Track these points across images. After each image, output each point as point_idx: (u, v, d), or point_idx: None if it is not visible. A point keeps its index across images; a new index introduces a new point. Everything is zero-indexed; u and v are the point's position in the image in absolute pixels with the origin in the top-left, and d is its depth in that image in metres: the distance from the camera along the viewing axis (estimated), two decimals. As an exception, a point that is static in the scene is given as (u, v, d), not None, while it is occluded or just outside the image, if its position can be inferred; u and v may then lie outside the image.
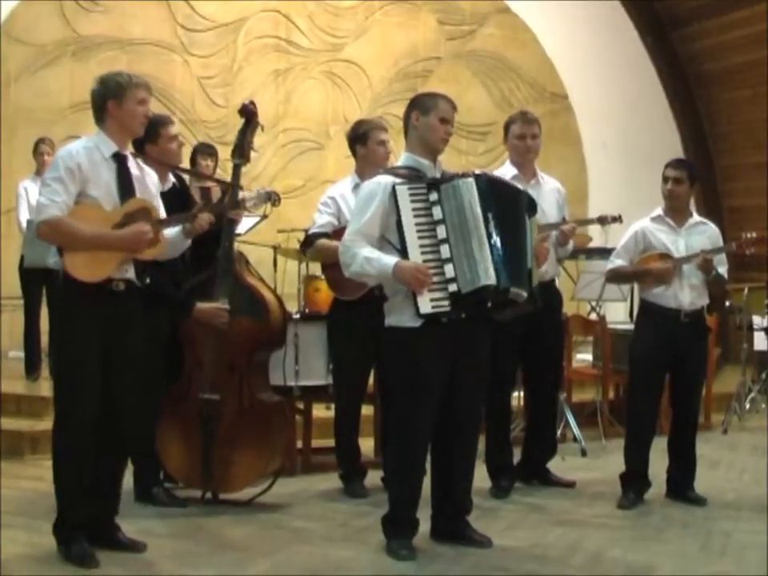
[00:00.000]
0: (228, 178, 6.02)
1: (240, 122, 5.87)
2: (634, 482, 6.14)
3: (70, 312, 4.75)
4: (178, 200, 5.80)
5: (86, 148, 4.80)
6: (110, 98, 4.83)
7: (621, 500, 6.10)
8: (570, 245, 6.46)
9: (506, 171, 6.29)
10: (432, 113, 5.06)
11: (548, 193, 6.38)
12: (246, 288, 5.81)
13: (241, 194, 5.71)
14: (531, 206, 5.19)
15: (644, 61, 12.89)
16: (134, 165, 4.96)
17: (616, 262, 6.25)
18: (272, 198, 5.69)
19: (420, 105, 5.13)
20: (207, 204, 5.83)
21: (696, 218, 6.25)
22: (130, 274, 4.86)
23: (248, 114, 5.84)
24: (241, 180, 5.79)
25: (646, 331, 6.17)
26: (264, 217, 8.76)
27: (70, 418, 4.77)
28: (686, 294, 6.05)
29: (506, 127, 6.38)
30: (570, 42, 12.38)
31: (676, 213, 6.15)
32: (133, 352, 4.92)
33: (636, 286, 7.53)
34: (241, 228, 7.61)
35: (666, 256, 6.05)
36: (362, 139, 6.16)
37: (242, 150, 5.80)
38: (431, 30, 12.03)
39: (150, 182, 5.04)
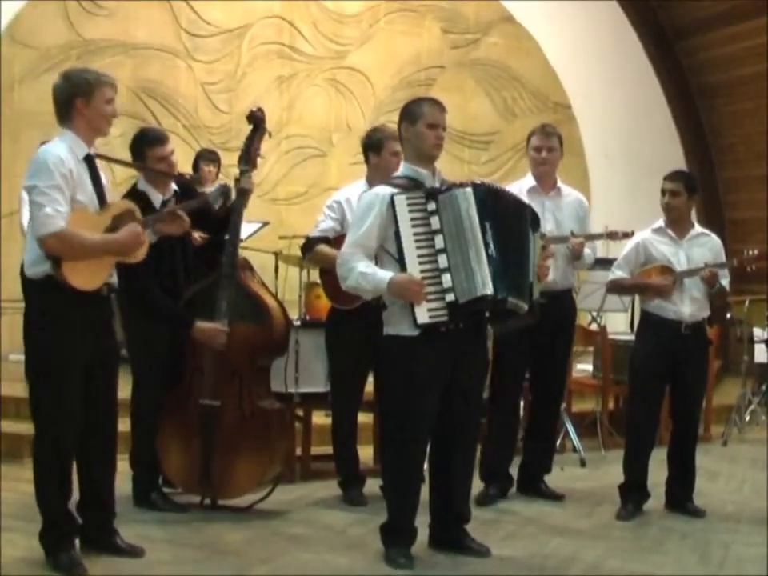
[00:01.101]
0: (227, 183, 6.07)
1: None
2: (632, 492, 6.14)
3: (57, 319, 4.68)
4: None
5: (68, 151, 4.68)
6: (79, 96, 4.70)
7: (619, 511, 6.09)
8: (588, 257, 6.45)
9: (525, 182, 6.34)
10: (419, 121, 5.04)
11: (567, 204, 6.41)
12: (250, 294, 5.81)
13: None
14: (534, 221, 5.19)
15: (647, 71, 12.90)
16: (98, 165, 4.89)
17: (617, 273, 6.26)
18: (226, 191, 5.72)
19: (408, 115, 5.11)
20: (213, 229, 5.88)
21: (698, 229, 6.25)
22: (114, 278, 4.86)
23: (256, 120, 5.86)
24: (251, 185, 5.84)
25: (647, 342, 6.17)
26: (265, 224, 8.78)
27: (58, 427, 4.72)
28: (686, 306, 6.06)
29: (528, 138, 6.43)
30: (574, 52, 12.38)
31: (676, 224, 6.16)
32: (114, 353, 4.93)
33: (637, 297, 7.53)
34: (242, 234, 7.63)
35: (667, 269, 6.05)
36: (376, 148, 6.14)
37: (248, 156, 5.83)
38: (435, 39, 12.03)
39: (107, 182, 4.97)
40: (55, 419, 4.71)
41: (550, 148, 6.34)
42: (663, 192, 6.12)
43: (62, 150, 4.68)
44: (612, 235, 6.66)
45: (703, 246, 6.19)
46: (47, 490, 4.78)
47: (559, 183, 6.45)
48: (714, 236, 6.30)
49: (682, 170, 6.29)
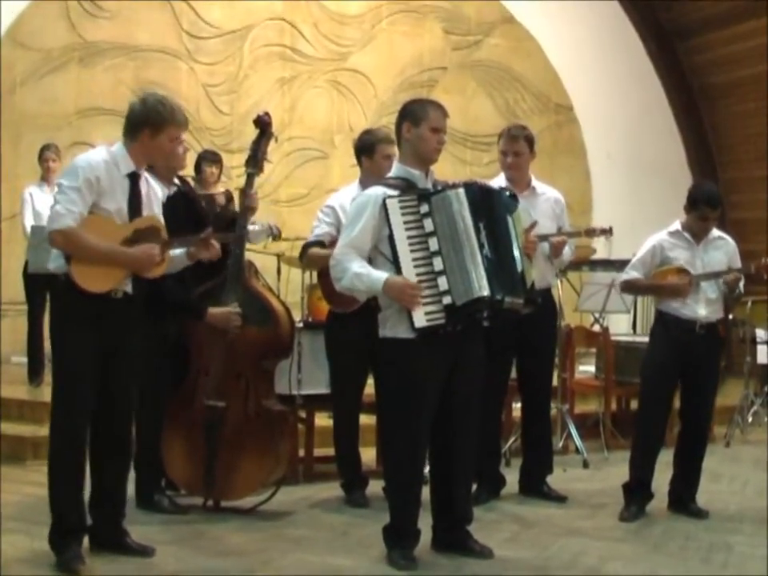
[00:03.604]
0: (232, 186, 6.06)
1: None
2: (637, 492, 6.12)
3: (69, 316, 4.78)
4: (182, 205, 5.83)
5: (106, 162, 4.81)
6: (147, 127, 4.85)
7: (622, 512, 6.08)
8: (566, 255, 6.42)
9: (498, 182, 6.29)
10: (423, 123, 5.00)
11: (542, 203, 6.36)
12: (256, 297, 5.83)
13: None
14: (512, 201, 5.15)
15: (649, 72, 12.91)
16: (143, 183, 4.98)
17: (632, 273, 6.21)
18: (273, 232, 5.72)
19: (411, 115, 5.06)
20: (215, 231, 5.88)
21: (714, 233, 6.18)
22: (128, 287, 4.89)
23: (263, 124, 5.90)
24: (256, 204, 5.90)
25: (661, 342, 6.13)
26: (270, 235, 8.78)
27: (66, 422, 4.79)
28: (702, 308, 6.02)
29: (498, 140, 6.40)
30: (576, 53, 12.39)
31: (700, 235, 6.13)
32: (131, 356, 4.95)
33: (642, 298, 7.51)
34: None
35: (683, 271, 6.03)
36: (369, 151, 6.14)
37: (255, 160, 5.87)
38: (437, 40, 12.04)
39: (154, 199, 5.07)
40: (66, 413, 4.79)
41: (516, 152, 6.26)
42: (705, 218, 6.01)
43: (98, 157, 4.84)
44: (590, 232, 6.67)
45: (719, 250, 6.15)
46: (56, 484, 4.81)
47: (534, 182, 6.39)
48: (729, 239, 6.25)
49: (717, 192, 6.17)
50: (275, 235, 5.82)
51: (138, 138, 4.87)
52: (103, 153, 4.87)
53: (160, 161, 5.05)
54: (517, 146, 6.27)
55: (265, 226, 5.81)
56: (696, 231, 6.09)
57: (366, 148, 6.16)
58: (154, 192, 5.09)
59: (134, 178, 4.90)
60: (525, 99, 12.30)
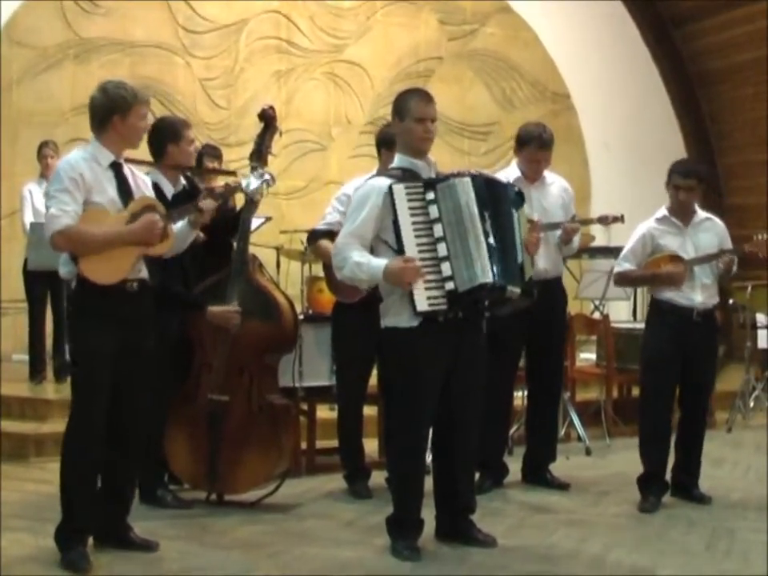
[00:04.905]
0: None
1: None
2: (652, 483, 6.06)
3: (87, 316, 4.80)
4: (185, 201, 5.83)
5: (85, 159, 4.84)
6: (116, 113, 4.86)
7: (642, 504, 6.00)
8: (575, 243, 6.45)
9: (511, 172, 6.31)
10: (407, 116, 5.05)
11: (552, 192, 6.40)
12: (260, 290, 5.83)
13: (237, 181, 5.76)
14: (518, 198, 5.18)
15: (646, 59, 12.88)
16: (127, 171, 5.00)
17: (624, 265, 6.14)
18: (265, 179, 5.71)
19: (397, 109, 5.13)
20: (210, 192, 5.86)
21: (701, 214, 6.14)
22: (143, 273, 4.92)
23: (267, 118, 5.91)
24: (260, 196, 5.86)
25: (658, 330, 6.08)
26: (268, 218, 8.77)
27: (84, 422, 4.80)
28: (698, 294, 5.99)
29: (521, 141, 6.32)
30: (572, 41, 12.37)
31: (682, 213, 6.10)
32: (146, 352, 4.97)
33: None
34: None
35: (676, 258, 5.99)
36: (390, 144, 6.11)
37: (259, 154, 5.87)
38: (432, 30, 12.03)
39: (142, 184, 5.09)
40: (85, 414, 4.81)
41: (547, 160, 6.34)
42: (677, 188, 5.97)
43: (77, 156, 4.87)
44: (602, 219, 6.69)
45: (708, 231, 6.12)
46: (71, 484, 4.82)
47: (544, 172, 6.43)
48: (717, 220, 6.22)
49: (694, 166, 6.14)
50: (268, 181, 5.77)
51: (110, 127, 4.89)
52: (80, 152, 4.90)
53: (136, 141, 5.03)
54: (549, 153, 6.33)
55: (258, 179, 5.74)
56: (676, 208, 6.05)
57: (388, 140, 6.14)
58: (141, 179, 5.11)
59: (116, 168, 4.92)
60: (521, 88, 12.28)
